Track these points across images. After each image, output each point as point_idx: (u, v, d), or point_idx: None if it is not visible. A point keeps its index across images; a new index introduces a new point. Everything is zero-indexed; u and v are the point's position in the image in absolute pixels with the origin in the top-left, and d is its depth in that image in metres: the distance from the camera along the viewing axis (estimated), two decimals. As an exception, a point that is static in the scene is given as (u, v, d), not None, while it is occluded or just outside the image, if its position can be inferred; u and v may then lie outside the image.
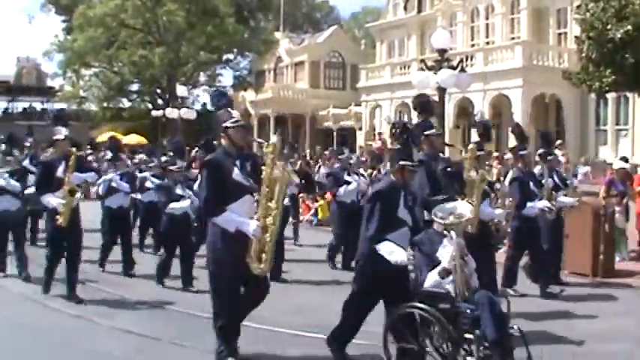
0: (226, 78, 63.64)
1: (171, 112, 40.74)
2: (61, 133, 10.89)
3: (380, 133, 35.08)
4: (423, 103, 10.05)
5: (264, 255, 7.39)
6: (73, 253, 10.71)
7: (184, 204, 11.93)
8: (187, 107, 43.07)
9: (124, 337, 8.92)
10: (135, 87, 55.15)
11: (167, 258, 12.00)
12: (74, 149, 11.21)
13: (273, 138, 7.78)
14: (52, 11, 59.12)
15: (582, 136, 32.58)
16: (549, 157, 12.61)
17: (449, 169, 9.03)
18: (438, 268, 6.97)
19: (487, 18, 37.93)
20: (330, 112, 49.67)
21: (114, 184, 13.59)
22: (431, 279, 7.01)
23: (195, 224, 12.93)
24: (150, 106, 53.35)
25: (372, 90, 40.75)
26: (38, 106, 65.10)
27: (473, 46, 37.53)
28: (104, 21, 47.93)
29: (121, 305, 10.62)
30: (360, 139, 40.88)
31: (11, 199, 12.50)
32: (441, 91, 19.98)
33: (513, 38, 35.61)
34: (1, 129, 40.28)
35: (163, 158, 15.16)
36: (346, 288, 8.04)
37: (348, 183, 13.83)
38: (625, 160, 16.59)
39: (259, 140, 9.80)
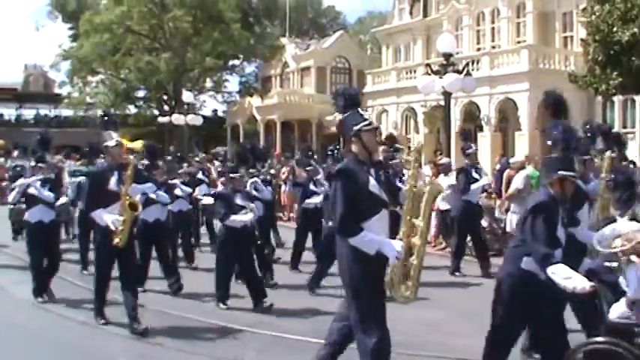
0: (232, 84, 63.67)
1: (178, 119, 40.81)
2: (112, 138, 9.57)
3: (389, 136, 34.99)
4: (555, 103, 10.06)
5: (409, 280, 6.45)
6: (130, 274, 9.55)
7: (246, 217, 10.88)
8: (194, 113, 43.21)
9: (130, 342, 8.94)
10: (141, 93, 55.22)
11: (225, 274, 11.08)
12: (131, 157, 10.05)
13: (418, 142, 6.69)
14: (59, 18, 59.26)
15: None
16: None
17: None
18: (624, 299, 6.20)
19: (493, 22, 37.88)
20: (337, 118, 49.47)
21: (152, 196, 11.70)
22: (618, 310, 6.25)
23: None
24: (156, 112, 53.45)
25: (378, 95, 40.69)
26: (46, 113, 65.36)
27: (479, 50, 37.45)
28: (110, 27, 47.96)
29: (123, 310, 10.51)
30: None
31: (45, 210, 11.25)
32: (447, 95, 20.00)
33: (519, 42, 35.55)
34: (12, 136, 40.41)
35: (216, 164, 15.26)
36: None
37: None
38: (633, 163, 16.54)
39: (399, 146, 9.47)
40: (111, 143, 9.48)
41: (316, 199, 14.19)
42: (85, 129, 51.59)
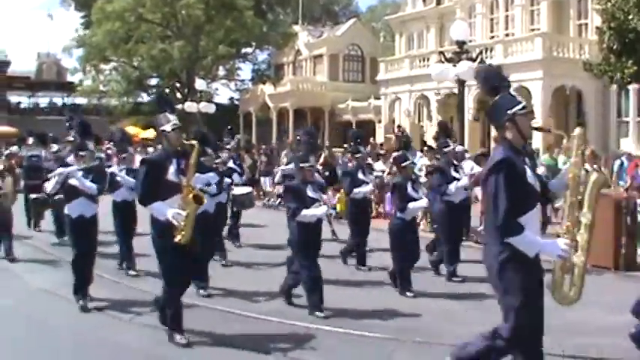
0: (245, 72, 63.67)
1: (191, 106, 40.82)
2: (169, 120, 8.31)
3: (399, 126, 34.93)
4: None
5: (574, 281, 5.91)
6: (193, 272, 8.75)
7: (320, 211, 9.87)
8: (208, 101, 43.23)
9: (144, 330, 8.94)
10: (154, 81, 55.25)
11: (314, 280, 9.83)
12: (194, 142, 8.52)
13: (577, 129, 6.06)
14: (72, 7, 59.33)
15: (604, 128, 32.33)
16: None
17: None
18: None
19: (506, 10, 37.69)
20: (350, 105, 49.63)
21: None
22: None
23: None
24: (169, 100, 53.46)
25: (391, 83, 40.62)
26: (59, 101, 65.58)
27: (492, 38, 37.31)
28: (122, 15, 47.95)
29: (141, 299, 10.48)
30: (380, 132, 40.78)
31: (86, 204, 10.23)
32: (461, 83, 19.94)
33: (533, 30, 35.35)
34: (26, 124, 40.49)
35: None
36: (360, 284, 8.07)
37: (364, 182, 13.38)
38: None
39: (559, 132, 7.75)
40: (168, 127, 8.25)
41: (366, 189, 13.19)
42: (97, 117, 51.70)
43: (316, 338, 8.60)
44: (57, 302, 10.55)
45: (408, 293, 10.77)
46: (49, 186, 10.60)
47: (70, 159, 12.48)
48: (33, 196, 16.67)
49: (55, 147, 16.32)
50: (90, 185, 10.20)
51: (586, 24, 33.92)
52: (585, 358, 8.13)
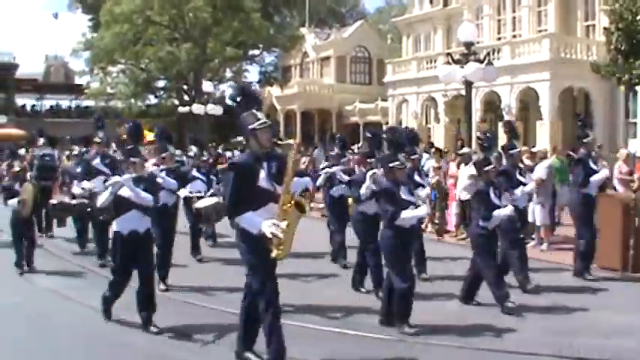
0: (252, 74, 63.71)
1: (198, 109, 40.89)
2: (258, 118, 7.27)
3: (406, 128, 34.91)
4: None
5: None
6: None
7: (421, 212, 9.20)
8: (217, 102, 43.29)
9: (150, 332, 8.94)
10: (161, 83, 55.37)
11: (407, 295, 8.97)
12: (290, 141, 7.89)
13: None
14: (79, 10, 59.48)
15: (611, 129, 32.23)
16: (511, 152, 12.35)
17: None
18: None
19: (514, 11, 37.62)
20: (357, 107, 49.64)
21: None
22: None
23: None
24: (176, 102, 53.59)
25: (398, 84, 40.58)
26: (65, 103, 65.64)
27: (499, 39, 37.24)
28: (130, 18, 48.09)
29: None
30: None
31: (139, 218, 9.14)
32: (468, 84, 19.90)
33: (540, 31, 35.27)
34: (34, 127, 40.57)
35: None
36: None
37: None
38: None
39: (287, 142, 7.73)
40: (257, 125, 7.19)
41: (425, 191, 12.23)
42: (105, 119, 51.76)
43: (321, 339, 8.64)
44: (63, 302, 10.60)
45: (509, 304, 9.87)
46: (101, 199, 9.32)
47: (97, 162, 13.49)
48: (53, 201, 14.71)
49: (76, 149, 16.02)
50: (145, 196, 9.12)
51: (593, 25, 33.83)
52: (594, 360, 8.10)
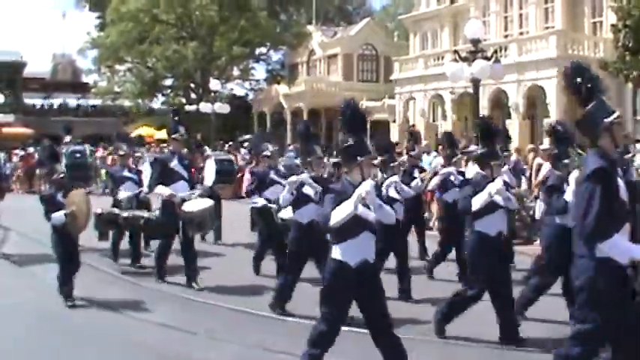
0: (259, 72, 63.77)
1: (205, 107, 40.97)
2: (613, 111, 5.85)
3: (413, 125, 34.94)
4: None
5: None
6: None
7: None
8: (227, 99, 43.37)
9: (160, 329, 9.00)
10: (168, 82, 55.47)
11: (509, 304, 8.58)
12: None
13: None
14: (86, 8, 59.65)
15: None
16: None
17: None
18: None
19: (521, 8, 37.57)
20: (364, 105, 49.59)
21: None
22: None
23: None
24: (183, 100, 53.70)
25: (405, 82, 40.58)
26: (72, 102, 65.65)
27: (506, 36, 37.21)
28: (137, 16, 48.22)
29: (157, 299, 10.59)
30: (394, 132, 40.73)
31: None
32: (476, 82, 19.88)
33: (547, 28, 35.22)
34: (43, 126, 40.56)
35: None
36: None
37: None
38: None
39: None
40: (611, 119, 5.75)
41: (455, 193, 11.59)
42: (113, 118, 52.01)
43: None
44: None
45: None
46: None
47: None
48: (98, 210, 12.46)
49: (123, 147, 13.95)
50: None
51: (601, 22, 33.77)
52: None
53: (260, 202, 12.16)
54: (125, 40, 49.04)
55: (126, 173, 13.49)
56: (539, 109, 33.54)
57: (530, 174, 17.35)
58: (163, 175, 11.40)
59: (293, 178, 9.63)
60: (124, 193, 13.18)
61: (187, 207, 11.16)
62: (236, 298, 10.59)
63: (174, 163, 11.44)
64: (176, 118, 11.94)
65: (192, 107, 44.93)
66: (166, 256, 11.64)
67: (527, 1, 36.85)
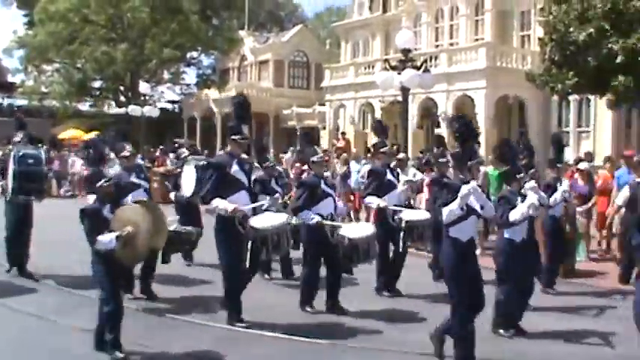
0: (190, 76, 63.32)
1: (134, 110, 40.50)
2: None
3: (343, 133, 35.11)
4: None
5: None
6: None
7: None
8: (159, 102, 42.95)
9: (84, 335, 8.73)
10: (97, 84, 54.65)
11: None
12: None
13: None
14: (14, 5, 58.45)
15: (545, 138, 32.77)
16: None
17: None
18: None
19: (452, 19, 38.08)
20: (294, 112, 49.68)
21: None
22: None
23: None
24: (112, 103, 53.01)
25: (336, 90, 40.76)
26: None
27: (437, 46, 37.68)
28: (66, 16, 47.42)
29: (80, 304, 10.35)
30: (324, 139, 40.88)
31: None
32: (405, 91, 20.09)
33: (477, 39, 35.80)
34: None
35: None
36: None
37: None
38: (589, 158, 16.90)
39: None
40: None
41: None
42: (39, 119, 50.97)
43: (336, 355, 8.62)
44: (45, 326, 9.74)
45: None
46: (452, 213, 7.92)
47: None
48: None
49: (127, 147, 11.41)
50: None
51: (529, 35, 34.45)
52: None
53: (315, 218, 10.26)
54: (54, 40, 48.17)
55: (134, 179, 10.98)
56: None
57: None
58: (221, 183, 9.33)
59: (464, 190, 7.62)
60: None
61: (257, 223, 9.35)
62: (164, 306, 10.49)
63: (234, 169, 9.48)
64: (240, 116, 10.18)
65: (122, 110, 44.38)
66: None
67: (458, 12, 37.39)
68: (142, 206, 8.23)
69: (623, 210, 13.53)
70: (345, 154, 24.27)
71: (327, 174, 19.35)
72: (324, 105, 43.73)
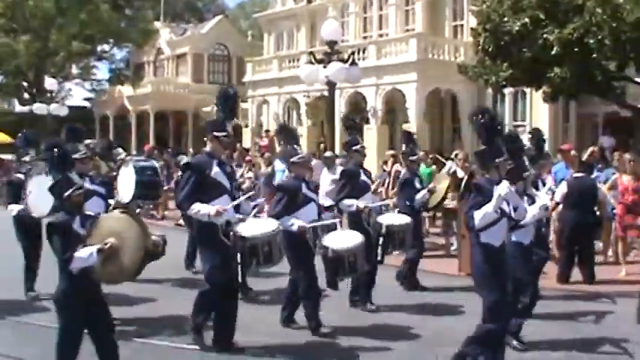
0: (102, 71, 62.29)
1: (40, 108, 39.66)
2: None
3: (267, 131, 34.89)
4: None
5: None
6: None
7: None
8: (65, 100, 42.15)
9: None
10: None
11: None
12: None
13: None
14: None
15: (479, 133, 33.12)
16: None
17: None
18: None
19: (380, 9, 38.19)
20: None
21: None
22: None
23: None
24: (15, 101, 51.85)
25: (259, 85, 40.52)
26: None
27: (365, 38, 37.75)
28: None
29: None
30: (247, 137, 40.61)
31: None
32: (331, 85, 20.03)
33: (408, 30, 35.95)
34: None
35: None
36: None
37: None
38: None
39: None
40: None
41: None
42: None
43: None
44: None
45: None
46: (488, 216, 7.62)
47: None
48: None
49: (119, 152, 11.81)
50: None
51: (462, 25, 34.71)
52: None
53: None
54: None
55: (88, 185, 10.17)
56: (398, 114, 34.12)
57: (391, 181, 17.56)
58: (200, 187, 8.92)
59: (504, 189, 7.45)
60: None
61: (245, 230, 8.82)
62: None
63: (215, 171, 9.03)
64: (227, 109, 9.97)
65: (25, 108, 43.41)
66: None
67: (387, 2, 37.49)
68: (128, 215, 7.30)
69: (560, 207, 13.65)
70: (268, 154, 24.10)
71: (249, 175, 19.25)
72: (246, 101, 43.45)
